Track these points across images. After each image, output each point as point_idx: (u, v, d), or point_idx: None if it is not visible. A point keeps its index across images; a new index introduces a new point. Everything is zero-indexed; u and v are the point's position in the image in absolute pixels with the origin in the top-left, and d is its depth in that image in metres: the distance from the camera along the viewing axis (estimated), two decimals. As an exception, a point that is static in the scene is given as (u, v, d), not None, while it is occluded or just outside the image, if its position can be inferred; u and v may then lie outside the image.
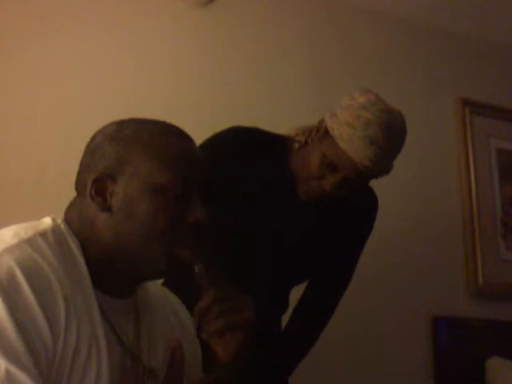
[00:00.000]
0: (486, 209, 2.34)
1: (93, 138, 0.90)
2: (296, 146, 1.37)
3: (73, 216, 0.87)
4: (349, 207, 1.40)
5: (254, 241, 1.36)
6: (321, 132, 1.31)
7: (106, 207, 0.83)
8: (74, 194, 0.91)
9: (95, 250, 0.84)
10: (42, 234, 0.80)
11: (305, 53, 2.22)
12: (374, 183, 1.38)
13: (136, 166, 0.84)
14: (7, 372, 0.67)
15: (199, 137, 1.38)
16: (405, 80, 2.35)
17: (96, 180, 0.84)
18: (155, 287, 1.00)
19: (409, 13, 2.37)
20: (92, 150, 0.88)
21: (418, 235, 2.20)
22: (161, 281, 1.14)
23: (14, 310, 0.70)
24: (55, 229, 0.82)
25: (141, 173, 0.83)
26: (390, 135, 1.24)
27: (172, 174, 0.83)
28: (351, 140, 1.23)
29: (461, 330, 2.14)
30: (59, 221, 0.85)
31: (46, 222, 0.84)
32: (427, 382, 2.11)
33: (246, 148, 1.39)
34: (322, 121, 1.33)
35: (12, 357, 0.68)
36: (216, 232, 0.94)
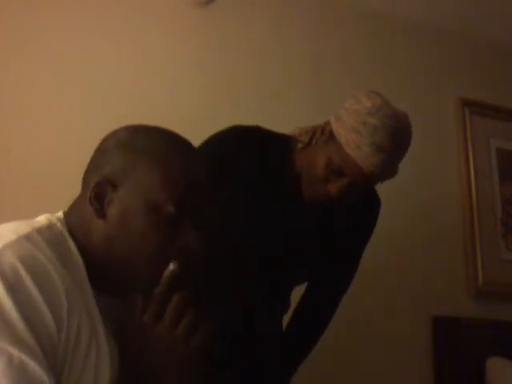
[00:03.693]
0: (486, 209, 2.34)
1: (105, 140, 0.91)
2: (299, 145, 1.36)
3: (72, 214, 0.88)
4: (351, 208, 1.39)
5: (256, 240, 1.36)
6: (326, 134, 1.29)
7: (101, 214, 0.84)
8: (74, 196, 0.91)
9: (89, 250, 0.84)
10: (39, 230, 0.80)
11: (305, 52, 2.22)
12: (374, 184, 1.38)
13: (139, 178, 0.84)
14: (20, 361, 0.69)
15: (199, 137, 1.39)
16: (405, 80, 2.35)
17: (97, 184, 0.84)
18: None
19: (409, 13, 2.37)
20: (102, 151, 0.89)
21: (418, 235, 2.20)
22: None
23: (21, 305, 0.71)
24: (50, 226, 0.84)
25: (142, 185, 0.84)
26: (396, 141, 1.23)
27: (170, 195, 0.84)
28: (358, 147, 1.22)
29: (461, 330, 2.13)
30: (54, 219, 0.86)
31: (41, 219, 0.85)
32: (427, 381, 2.11)
33: (248, 147, 1.38)
34: (327, 123, 1.31)
35: (24, 347, 0.70)
36: (214, 238, 0.94)
